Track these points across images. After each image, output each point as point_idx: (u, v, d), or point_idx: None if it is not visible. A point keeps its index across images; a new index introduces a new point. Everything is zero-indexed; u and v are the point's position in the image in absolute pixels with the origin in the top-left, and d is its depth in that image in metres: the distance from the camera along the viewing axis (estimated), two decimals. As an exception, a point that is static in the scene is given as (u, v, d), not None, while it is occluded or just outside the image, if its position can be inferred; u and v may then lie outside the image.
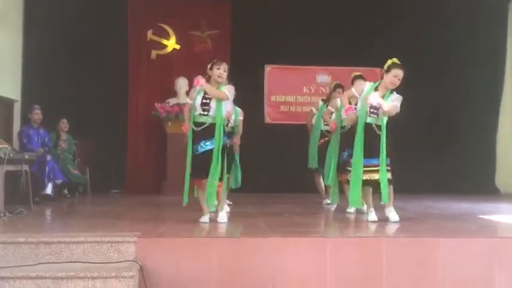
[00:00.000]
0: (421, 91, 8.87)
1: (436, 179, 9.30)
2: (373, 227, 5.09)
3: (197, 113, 5.05)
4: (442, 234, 4.71)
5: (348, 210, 6.16)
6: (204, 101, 5.03)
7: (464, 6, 9.62)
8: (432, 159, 9.29)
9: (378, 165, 5.14)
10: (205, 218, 5.13)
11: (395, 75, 5.12)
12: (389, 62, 5.21)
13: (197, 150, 5.01)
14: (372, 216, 5.28)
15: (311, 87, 9.84)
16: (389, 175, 5.16)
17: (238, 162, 6.48)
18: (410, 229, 5.00)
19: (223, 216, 5.16)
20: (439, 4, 9.53)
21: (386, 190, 5.13)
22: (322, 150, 6.70)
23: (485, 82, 9.80)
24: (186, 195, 5.09)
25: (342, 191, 6.31)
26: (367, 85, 5.35)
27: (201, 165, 4.97)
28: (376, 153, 5.12)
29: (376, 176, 5.14)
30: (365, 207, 5.84)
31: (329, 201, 7.05)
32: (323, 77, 9.75)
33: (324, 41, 9.39)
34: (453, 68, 9.65)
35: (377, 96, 5.08)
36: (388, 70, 5.17)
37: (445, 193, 8.74)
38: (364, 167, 5.14)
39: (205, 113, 5.03)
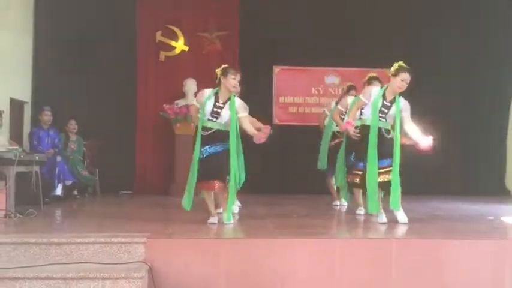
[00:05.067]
0: (430, 90, 8.82)
1: (443, 180, 9.18)
2: (382, 228, 5.08)
3: (206, 118, 5.04)
4: (452, 235, 4.71)
5: (358, 211, 6.15)
6: (216, 109, 5.02)
7: (474, 8, 9.58)
8: (440, 160, 9.20)
9: (387, 167, 5.12)
10: (213, 220, 5.14)
11: (403, 79, 5.02)
12: (396, 65, 5.10)
13: (202, 155, 5.00)
14: (382, 217, 5.27)
15: (319, 89, 9.81)
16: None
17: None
18: (419, 230, 4.99)
19: (227, 217, 5.13)
20: (449, 5, 9.50)
21: (396, 194, 5.10)
22: (334, 152, 6.53)
23: (495, 82, 9.72)
24: (190, 200, 5.10)
25: (351, 192, 6.27)
26: (374, 90, 5.29)
27: (206, 169, 4.98)
28: (384, 155, 5.10)
29: (387, 178, 5.12)
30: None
31: (339, 203, 7.03)
32: (332, 78, 9.72)
33: (332, 42, 9.34)
34: (464, 68, 9.58)
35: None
36: (396, 74, 5.07)
37: (452, 194, 8.66)
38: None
39: (214, 119, 5.04)
